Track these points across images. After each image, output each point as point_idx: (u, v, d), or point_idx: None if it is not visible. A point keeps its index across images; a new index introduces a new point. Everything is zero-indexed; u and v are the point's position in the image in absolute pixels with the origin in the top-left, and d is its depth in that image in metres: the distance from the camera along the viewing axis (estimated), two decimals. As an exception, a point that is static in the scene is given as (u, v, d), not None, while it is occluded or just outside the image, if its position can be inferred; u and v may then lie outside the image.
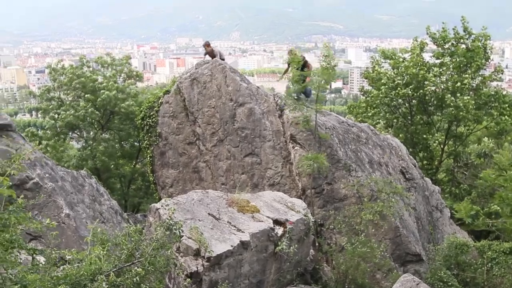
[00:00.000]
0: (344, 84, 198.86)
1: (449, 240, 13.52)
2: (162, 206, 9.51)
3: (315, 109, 13.26)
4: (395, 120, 23.75)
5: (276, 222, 10.17)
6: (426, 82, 21.38)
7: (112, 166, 24.30)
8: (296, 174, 13.73)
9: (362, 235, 11.95)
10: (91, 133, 25.53)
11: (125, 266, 5.64)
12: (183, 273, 8.28)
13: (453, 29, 22.08)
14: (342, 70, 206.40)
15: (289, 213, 10.60)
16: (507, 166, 14.91)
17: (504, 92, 22.91)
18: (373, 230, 12.92)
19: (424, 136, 22.57)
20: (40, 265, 5.62)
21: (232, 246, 8.97)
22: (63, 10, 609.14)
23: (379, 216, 12.12)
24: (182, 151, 15.41)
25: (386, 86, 22.33)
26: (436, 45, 22.58)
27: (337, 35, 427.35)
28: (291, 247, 9.83)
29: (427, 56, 23.31)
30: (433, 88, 21.92)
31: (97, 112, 23.53)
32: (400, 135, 22.52)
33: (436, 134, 22.15)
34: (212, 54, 16.49)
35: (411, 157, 17.68)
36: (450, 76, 22.02)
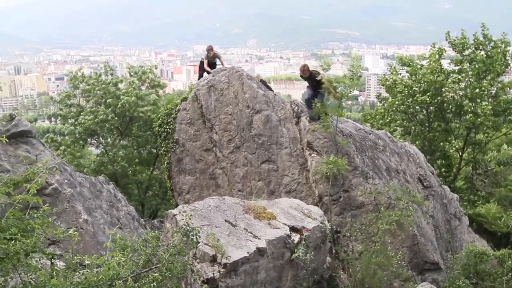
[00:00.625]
0: (360, 91, 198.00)
1: (467, 248, 13.33)
2: (179, 212, 9.55)
3: (336, 115, 13.25)
4: (412, 127, 23.58)
5: (293, 229, 10.14)
6: (444, 89, 21.22)
7: (130, 172, 24.49)
8: (313, 181, 13.70)
9: (379, 243, 11.88)
10: (109, 139, 25.80)
11: (142, 271, 5.68)
12: (199, 279, 8.30)
13: (473, 35, 21.90)
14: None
15: (306, 220, 10.57)
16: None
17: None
18: (390, 238, 12.83)
19: (442, 143, 22.35)
20: (60, 270, 5.69)
21: (248, 252, 8.97)
22: (83, 18, 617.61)
23: (396, 224, 12.04)
24: (199, 157, 15.49)
25: (403, 93, 22.21)
26: (455, 51, 22.41)
27: (354, 42, 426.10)
28: (308, 254, 9.78)
29: (444, 63, 23.14)
30: (451, 95, 21.74)
31: (116, 118, 23.80)
32: (417, 142, 22.34)
33: (454, 141, 21.91)
34: (213, 58, 17.13)
35: (429, 164, 17.52)
36: (469, 82, 21.83)
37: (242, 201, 11.06)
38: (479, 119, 20.26)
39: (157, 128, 16.72)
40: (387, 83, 23.51)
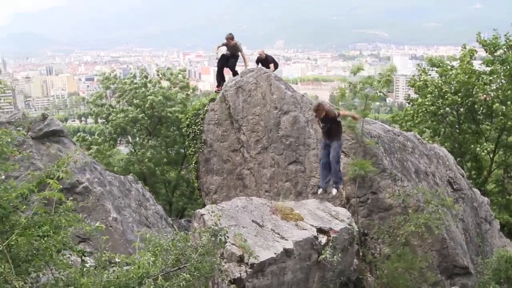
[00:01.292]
0: (389, 92, 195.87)
1: (498, 253, 13.09)
2: (207, 212, 9.64)
3: (362, 116, 13.16)
4: (442, 129, 23.24)
5: (320, 230, 10.11)
6: (475, 90, 20.86)
7: (158, 171, 24.77)
8: (341, 183, 13.62)
9: (407, 246, 11.75)
10: (137, 139, 26.16)
11: (172, 270, 5.74)
12: (226, 279, 8.35)
13: (505, 35, 21.47)
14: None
15: (333, 222, 10.53)
16: None
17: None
18: (419, 241, 12.67)
19: (473, 145, 21.96)
20: (90, 267, 5.80)
21: (275, 253, 8.98)
22: (113, 20, 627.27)
23: (424, 227, 11.89)
24: (226, 158, 15.57)
25: (433, 94, 21.91)
26: (486, 52, 22.01)
27: (382, 43, 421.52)
28: (335, 256, 9.74)
29: (475, 64, 22.76)
30: (482, 96, 21.36)
31: (145, 117, 24.15)
32: (447, 144, 22.00)
33: (485, 144, 21.50)
34: (235, 48, 16.54)
35: (458, 167, 17.24)
36: (500, 84, 21.41)
37: (269, 202, 11.08)
38: (510, 122, 19.85)
39: (185, 128, 16.87)
40: (417, 83, 23.22)
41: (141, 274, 5.42)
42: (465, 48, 22.72)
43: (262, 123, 14.86)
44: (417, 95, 24.04)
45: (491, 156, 22.39)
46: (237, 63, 17.15)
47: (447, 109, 22.67)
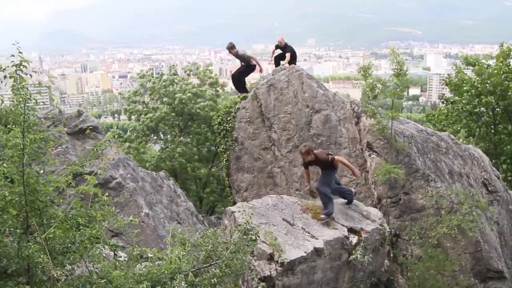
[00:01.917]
0: (422, 91, 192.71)
1: (535, 257, 12.78)
2: (237, 209, 9.69)
3: (391, 116, 12.98)
4: (477, 129, 22.76)
5: (351, 230, 10.04)
6: (511, 91, 20.35)
7: (189, 168, 25.01)
8: (372, 183, 13.50)
9: (439, 248, 11.57)
10: (169, 136, 26.48)
11: (203, 267, 5.79)
12: (256, 277, 8.39)
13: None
14: (420, 77, 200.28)
15: (364, 222, 10.44)
16: None
17: None
18: (451, 243, 12.46)
19: (509, 146, 21.44)
20: (122, 261, 5.90)
21: (305, 252, 8.97)
22: (146, 19, 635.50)
23: (457, 229, 11.69)
24: (257, 156, 15.60)
25: (469, 94, 21.47)
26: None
27: (416, 41, 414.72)
28: (366, 257, 9.66)
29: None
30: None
31: (174, 114, 24.39)
32: (482, 145, 21.54)
33: (522, 145, 20.97)
34: (239, 57, 16.17)
35: (494, 168, 16.86)
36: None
37: (300, 201, 11.06)
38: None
39: (217, 126, 16.96)
40: (453, 81, 22.78)
41: (172, 269, 5.49)
42: (502, 46, 22.17)
43: (293, 121, 14.83)
44: (452, 94, 23.60)
45: (528, 157, 21.84)
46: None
47: (483, 109, 22.19)
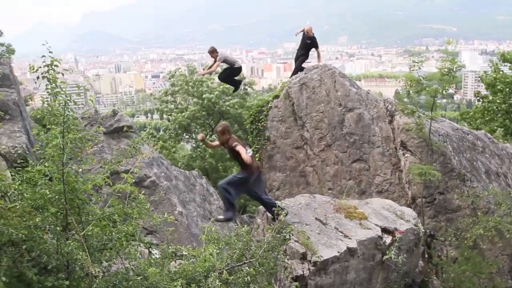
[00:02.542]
0: (456, 89, 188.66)
1: None
2: (270, 208, 9.69)
3: (430, 116, 12.75)
4: (514, 128, 22.20)
5: (385, 230, 9.93)
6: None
7: (220, 167, 25.14)
8: (406, 182, 13.32)
9: (476, 249, 11.33)
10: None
11: (237, 265, 5.83)
12: (290, 276, 8.38)
13: None
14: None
15: (398, 222, 10.30)
16: None
17: None
18: (488, 245, 12.19)
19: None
20: (157, 259, 5.98)
21: (339, 252, 8.91)
22: (178, 19, 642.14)
23: (495, 231, 11.42)
24: (289, 155, 15.58)
25: (503, 93, 20.94)
26: None
27: (450, 38, 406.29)
28: (400, 257, 9.54)
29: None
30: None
31: (204, 112, 24.55)
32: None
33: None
34: (224, 61, 14.96)
35: (533, 168, 16.40)
36: None
37: (332, 200, 11.00)
38: None
39: (249, 125, 16.99)
40: (489, 78, 22.26)
41: (207, 267, 5.53)
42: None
43: (326, 120, 14.76)
44: (488, 92, 23.08)
45: None
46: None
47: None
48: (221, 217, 10.04)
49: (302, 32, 16.44)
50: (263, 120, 16.17)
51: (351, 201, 11.04)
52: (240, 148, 9.03)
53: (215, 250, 5.91)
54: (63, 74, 4.89)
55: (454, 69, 12.55)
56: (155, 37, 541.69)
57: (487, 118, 22.53)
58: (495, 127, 22.21)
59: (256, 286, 5.78)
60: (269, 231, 6.32)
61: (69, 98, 4.55)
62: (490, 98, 22.01)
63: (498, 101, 21.22)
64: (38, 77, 4.72)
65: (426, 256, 12.06)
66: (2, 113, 10.21)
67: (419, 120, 12.90)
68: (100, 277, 4.65)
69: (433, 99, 12.76)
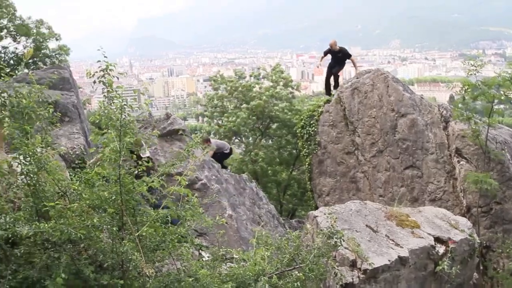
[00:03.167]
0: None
1: None
2: (320, 214, 9.64)
3: (487, 122, 12.34)
4: None
5: (438, 240, 9.67)
6: None
7: (270, 172, 25.14)
8: (461, 191, 12.94)
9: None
10: (250, 139, 26.77)
11: (286, 270, 5.82)
12: (339, 283, 8.29)
13: None
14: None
15: (452, 232, 10.02)
16: None
17: None
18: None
19: None
20: (208, 261, 6.05)
21: (389, 260, 8.75)
22: (230, 23, 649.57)
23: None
24: (340, 160, 15.44)
25: None
26: None
27: (509, 41, 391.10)
28: (453, 268, 9.26)
29: None
30: None
31: (254, 117, 24.58)
32: None
33: None
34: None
35: None
36: None
37: (384, 207, 10.82)
38: None
39: (300, 129, 16.97)
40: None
41: (257, 271, 5.55)
42: None
43: (378, 125, 14.54)
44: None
45: None
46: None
47: None
48: None
49: (329, 53, 16.79)
50: (314, 125, 16.10)
51: (403, 208, 10.82)
52: None
53: (266, 254, 5.92)
54: (118, 78, 5.03)
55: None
56: (206, 42, 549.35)
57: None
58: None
59: (305, 291, 5.76)
60: (319, 236, 6.28)
61: (125, 102, 4.67)
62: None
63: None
64: (94, 82, 4.87)
65: (481, 268, 11.67)
66: (62, 115, 10.61)
67: (476, 127, 12.49)
68: (153, 277, 4.74)
69: (491, 105, 12.34)
